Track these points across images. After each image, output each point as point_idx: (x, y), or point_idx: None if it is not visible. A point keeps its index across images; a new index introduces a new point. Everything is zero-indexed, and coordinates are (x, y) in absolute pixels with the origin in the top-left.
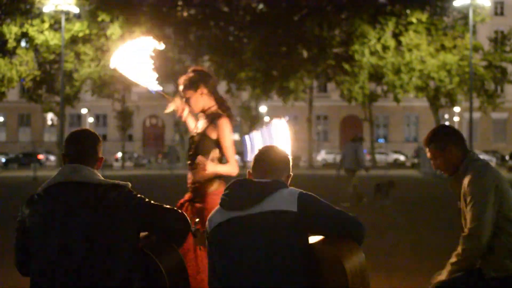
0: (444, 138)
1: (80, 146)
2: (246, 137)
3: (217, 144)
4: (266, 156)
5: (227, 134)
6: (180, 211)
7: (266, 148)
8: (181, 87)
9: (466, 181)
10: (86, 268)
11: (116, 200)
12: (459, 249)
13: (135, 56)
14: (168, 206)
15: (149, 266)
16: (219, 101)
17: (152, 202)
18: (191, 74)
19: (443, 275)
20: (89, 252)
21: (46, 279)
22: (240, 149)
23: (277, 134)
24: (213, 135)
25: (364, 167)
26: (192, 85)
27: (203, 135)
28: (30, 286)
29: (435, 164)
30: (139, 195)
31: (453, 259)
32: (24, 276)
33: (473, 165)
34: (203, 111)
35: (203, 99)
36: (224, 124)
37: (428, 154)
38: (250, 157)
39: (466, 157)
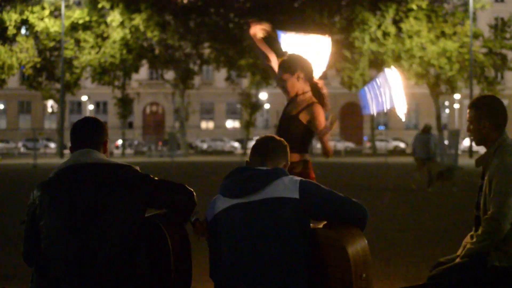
0: (483, 109)
1: (84, 134)
2: (365, 89)
3: (307, 129)
4: (265, 144)
5: (322, 120)
6: (187, 186)
7: (264, 137)
8: (279, 70)
9: (495, 163)
10: (94, 243)
11: (123, 177)
12: (480, 231)
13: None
14: (173, 182)
15: (156, 235)
16: (315, 87)
17: (156, 178)
18: (289, 57)
19: (458, 253)
20: (96, 227)
21: (54, 250)
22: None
23: (392, 82)
24: (305, 120)
25: (435, 156)
26: (289, 68)
27: (295, 118)
28: (36, 262)
29: (468, 127)
30: (145, 174)
31: (473, 239)
32: (30, 267)
33: (505, 149)
34: (297, 95)
35: (299, 84)
36: (318, 110)
37: (467, 116)
38: (372, 109)
39: (499, 137)
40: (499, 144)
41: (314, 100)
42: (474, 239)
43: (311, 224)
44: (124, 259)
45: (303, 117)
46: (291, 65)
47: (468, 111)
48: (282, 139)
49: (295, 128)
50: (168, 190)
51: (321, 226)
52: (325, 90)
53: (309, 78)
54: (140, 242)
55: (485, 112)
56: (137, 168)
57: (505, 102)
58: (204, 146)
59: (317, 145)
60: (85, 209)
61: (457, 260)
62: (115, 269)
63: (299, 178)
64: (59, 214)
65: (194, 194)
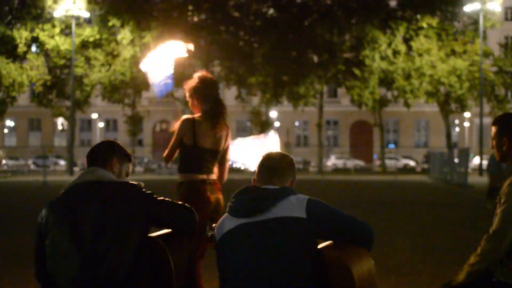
0: (504, 126)
1: (95, 154)
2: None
3: (186, 147)
4: (271, 161)
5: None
6: (189, 206)
7: (270, 153)
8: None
9: (507, 182)
10: (96, 258)
11: (126, 195)
12: (479, 249)
13: (161, 58)
14: (177, 202)
15: (158, 255)
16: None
17: (161, 198)
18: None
19: (459, 276)
20: (97, 244)
21: (59, 270)
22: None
23: (266, 145)
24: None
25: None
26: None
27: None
28: (44, 279)
29: (492, 144)
30: (147, 191)
31: (472, 259)
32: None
33: None
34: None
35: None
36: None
37: (492, 133)
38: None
39: None
40: None
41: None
42: (471, 260)
43: (317, 244)
44: (124, 277)
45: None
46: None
47: (492, 127)
48: (288, 154)
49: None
50: (169, 209)
51: (327, 245)
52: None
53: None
54: (141, 261)
55: (506, 129)
56: (142, 185)
57: None
58: None
59: (327, 162)
60: (87, 227)
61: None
62: (116, 286)
63: (306, 197)
64: (62, 232)
65: (195, 213)
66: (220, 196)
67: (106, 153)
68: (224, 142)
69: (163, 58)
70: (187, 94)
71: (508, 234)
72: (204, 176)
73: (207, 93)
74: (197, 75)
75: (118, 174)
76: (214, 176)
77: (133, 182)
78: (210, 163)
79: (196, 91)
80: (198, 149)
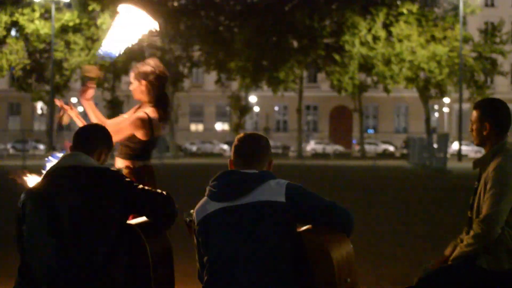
0: (486, 111)
1: (78, 138)
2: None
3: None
4: (249, 145)
5: None
6: (168, 195)
7: (246, 136)
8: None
9: (492, 166)
10: (73, 244)
11: (105, 182)
12: (470, 234)
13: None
14: (156, 190)
15: (135, 244)
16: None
17: (140, 185)
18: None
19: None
20: (75, 231)
21: (35, 256)
22: None
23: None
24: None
25: None
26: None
27: None
28: (20, 264)
29: (470, 127)
30: (128, 179)
31: (463, 242)
32: None
33: (504, 153)
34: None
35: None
36: None
37: (471, 116)
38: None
39: (498, 142)
40: (498, 148)
41: None
42: (465, 242)
43: (297, 228)
44: (101, 266)
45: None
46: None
47: (473, 111)
48: (262, 135)
49: None
50: (149, 198)
51: (306, 229)
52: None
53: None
54: (118, 250)
55: (488, 114)
56: (122, 171)
57: None
58: (194, 148)
59: (306, 147)
60: (64, 214)
61: (448, 258)
62: (92, 274)
63: (286, 182)
64: (39, 219)
65: (175, 203)
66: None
67: (98, 143)
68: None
69: (125, 32)
70: (135, 76)
71: (500, 218)
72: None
73: (159, 83)
74: (152, 62)
75: (102, 163)
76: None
77: (113, 169)
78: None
79: (148, 78)
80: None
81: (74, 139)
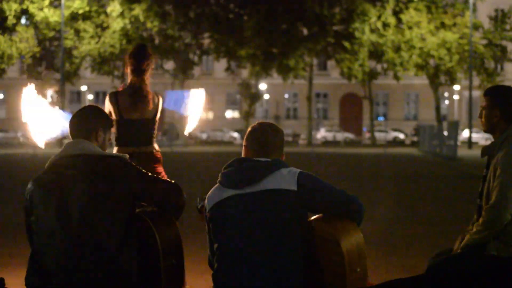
0: (497, 98)
1: (75, 123)
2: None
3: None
4: (264, 133)
5: None
6: (176, 183)
7: (263, 124)
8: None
9: (501, 153)
10: (82, 235)
11: (113, 169)
12: (480, 221)
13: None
14: (164, 178)
15: (145, 233)
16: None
17: (148, 173)
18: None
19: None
20: (84, 220)
21: (45, 246)
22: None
23: (192, 101)
24: None
25: None
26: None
27: None
28: (30, 255)
29: (480, 114)
30: (135, 166)
31: (473, 229)
32: None
33: None
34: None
35: None
36: None
37: (482, 103)
38: (170, 105)
39: (507, 129)
40: (508, 135)
41: None
42: (474, 229)
43: (307, 217)
44: (111, 256)
45: None
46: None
47: (483, 98)
48: (279, 127)
49: None
50: (158, 187)
51: (317, 218)
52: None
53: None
54: (128, 237)
55: (498, 101)
56: (126, 157)
57: None
58: (204, 136)
59: (316, 135)
60: (74, 204)
61: (457, 250)
62: (102, 264)
63: (298, 170)
64: (48, 208)
65: (183, 192)
66: (156, 167)
67: (89, 123)
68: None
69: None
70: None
71: (509, 205)
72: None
73: (134, 64)
74: (136, 45)
75: (102, 143)
76: (147, 148)
77: (119, 155)
78: (141, 135)
79: (128, 60)
80: (124, 121)
81: (71, 125)
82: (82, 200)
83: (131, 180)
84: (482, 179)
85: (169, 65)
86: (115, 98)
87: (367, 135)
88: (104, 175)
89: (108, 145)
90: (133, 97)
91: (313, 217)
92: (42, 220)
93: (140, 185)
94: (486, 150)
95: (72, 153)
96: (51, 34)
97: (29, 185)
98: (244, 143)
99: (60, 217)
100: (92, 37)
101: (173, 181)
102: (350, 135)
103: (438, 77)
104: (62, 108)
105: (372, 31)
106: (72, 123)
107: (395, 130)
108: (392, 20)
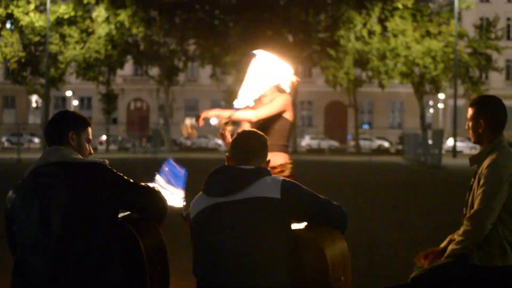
0: (482, 109)
1: (49, 130)
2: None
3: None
4: (248, 141)
5: None
6: (157, 190)
7: (246, 132)
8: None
9: (486, 162)
10: (64, 245)
11: (94, 177)
12: (461, 230)
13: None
14: (146, 185)
15: (128, 239)
16: None
17: (130, 180)
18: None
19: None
20: (67, 229)
21: (28, 256)
22: None
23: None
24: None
25: None
26: None
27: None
28: (14, 264)
29: (467, 123)
30: (116, 172)
31: (456, 240)
32: None
33: (499, 150)
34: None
35: None
36: None
37: (468, 114)
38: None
39: (494, 139)
40: (494, 145)
41: None
42: (456, 239)
43: (291, 225)
44: (95, 261)
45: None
46: None
47: (468, 109)
48: (262, 134)
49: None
50: (140, 194)
51: (301, 227)
52: None
53: None
54: (111, 245)
55: (483, 112)
56: (107, 162)
57: None
58: (188, 142)
59: (301, 143)
60: (55, 213)
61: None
62: (86, 273)
63: (281, 178)
64: (30, 217)
65: (166, 199)
66: None
67: (59, 129)
68: None
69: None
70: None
71: (490, 215)
72: None
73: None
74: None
75: (78, 146)
76: None
77: (99, 161)
78: None
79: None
80: None
81: (45, 134)
82: (63, 208)
83: (112, 186)
84: (469, 188)
85: (154, 71)
86: None
87: (351, 143)
88: (84, 182)
89: (89, 146)
90: None
91: (296, 225)
92: (25, 228)
93: (120, 190)
94: (474, 159)
95: (50, 161)
96: (36, 38)
97: (10, 193)
98: (227, 153)
99: (42, 225)
100: (77, 42)
101: (153, 187)
102: (334, 143)
103: (423, 85)
104: (47, 114)
105: (357, 38)
106: (45, 132)
107: (380, 138)
108: (377, 28)
